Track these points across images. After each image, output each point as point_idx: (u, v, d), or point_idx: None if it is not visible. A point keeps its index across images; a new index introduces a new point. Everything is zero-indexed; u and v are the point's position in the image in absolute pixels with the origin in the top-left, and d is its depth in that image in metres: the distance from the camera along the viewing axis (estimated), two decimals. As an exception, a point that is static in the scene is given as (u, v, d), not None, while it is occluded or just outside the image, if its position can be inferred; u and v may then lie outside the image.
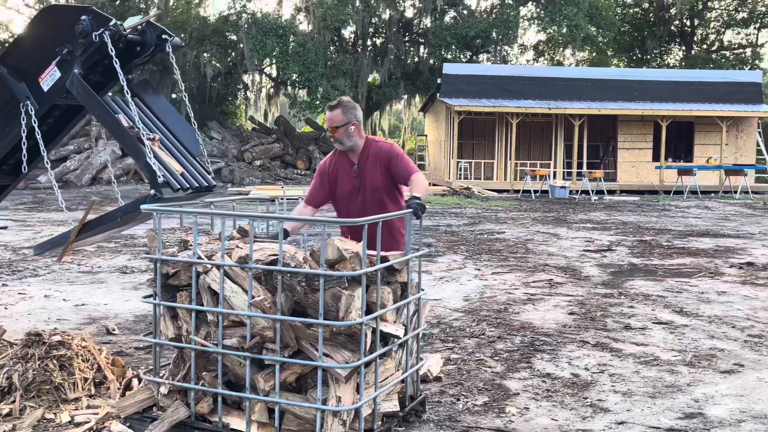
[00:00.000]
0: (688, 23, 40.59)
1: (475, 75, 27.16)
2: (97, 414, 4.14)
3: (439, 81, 27.71)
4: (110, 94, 5.74)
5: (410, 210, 4.14)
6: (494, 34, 33.08)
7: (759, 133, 27.83)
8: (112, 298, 7.58)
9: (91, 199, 8.92)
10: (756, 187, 25.58)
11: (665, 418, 4.34)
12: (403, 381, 4.10)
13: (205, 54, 32.46)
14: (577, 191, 23.40)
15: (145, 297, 4.09)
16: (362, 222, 3.63)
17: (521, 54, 39.65)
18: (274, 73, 36.05)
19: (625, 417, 4.36)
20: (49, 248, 5.54)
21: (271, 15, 32.91)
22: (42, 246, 5.60)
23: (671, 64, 40.78)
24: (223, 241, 3.76)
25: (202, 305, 3.77)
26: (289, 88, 34.23)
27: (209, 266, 3.75)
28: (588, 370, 5.26)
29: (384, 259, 3.80)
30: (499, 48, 34.69)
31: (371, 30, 35.13)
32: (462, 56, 34.30)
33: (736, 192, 23.64)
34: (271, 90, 37.35)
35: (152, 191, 4.82)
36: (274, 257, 3.65)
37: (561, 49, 38.66)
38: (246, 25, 31.72)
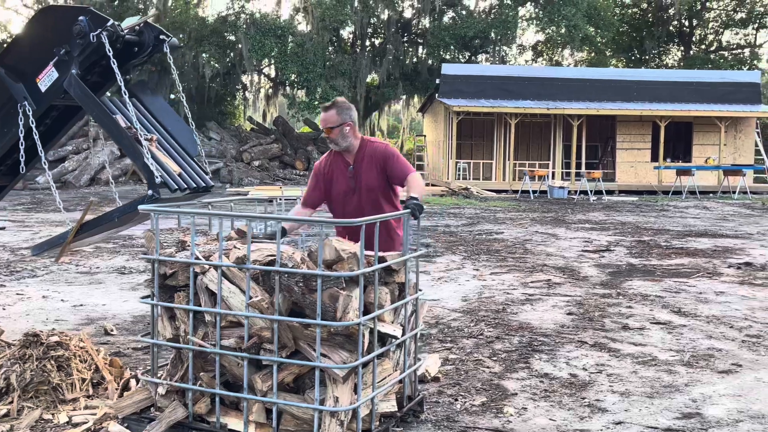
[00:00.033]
0: (686, 23, 40.61)
1: (474, 75, 27.17)
2: (94, 414, 4.14)
3: (437, 81, 27.72)
4: (108, 94, 5.74)
5: (408, 210, 4.14)
6: (493, 35, 33.08)
7: (757, 133, 27.84)
8: (110, 299, 7.57)
9: (89, 199, 8.91)
10: (754, 187, 25.60)
11: (663, 418, 4.34)
12: (400, 381, 4.10)
13: (203, 54, 32.46)
14: (575, 191, 23.40)
15: (143, 297, 4.09)
16: (360, 222, 3.63)
17: (520, 54, 39.72)
18: (273, 74, 36.05)
19: (623, 417, 4.36)
20: (47, 249, 5.55)
21: (269, 15, 32.91)
22: (40, 246, 5.60)
23: (670, 65, 40.80)
24: (221, 241, 3.76)
25: (200, 306, 3.77)
26: (287, 88, 34.21)
27: (207, 267, 3.75)
28: (586, 370, 5.26)
29: (382, 260, 3.80)
30: (497, 48, 34.71)
31: (370, 30, 35.13)
32: (460, 56, 34.29)
33: (734, 192, 23.65)
34: (270, 90, 37.34)
35: (150, 192, 4.82)
36: (272, 258, 3.65)
37: (559, 49, 38.67)
38: (244, 26, 31.71)
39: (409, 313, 4.13)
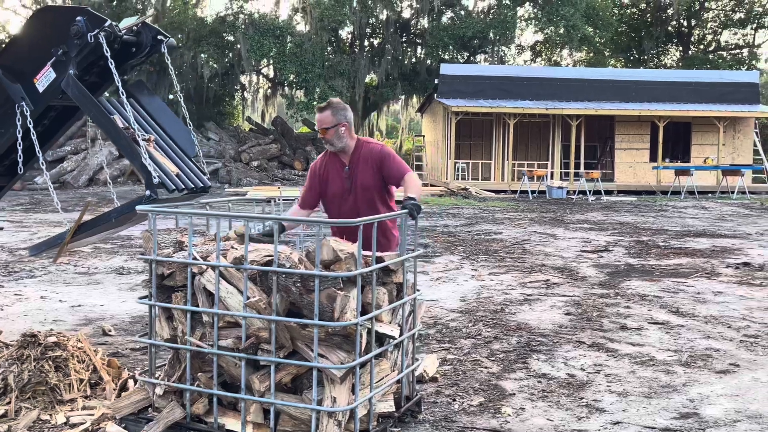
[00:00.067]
0: (685, 24, 40.64)
1: (473, 75, 27.18)
2: (92, 415, 4.14)
3: (436, 81, 27.72)
4: (107, 94, 5.74)
5: (406, 211, 4.14)
6: (491, 35, 33.08)
7: (756, 133, 27.86)
8: (109, 299, 7.57)
9: (87, 200, 8.90)
10: (753, 187, 25.62)
11: (661, 418, 4.34)
12: (398, 381, 4.10)
13: (202, 55, 32.45)
14: (574, 192, 23.41)
15: (141, 298, 4.09)
16: (358, 222, 3.63)
17: (518, 54, 39.72)
18: (272, 74, 36.05)
19: (621, 417, 4.36)
20: (45, 249, 5.55)
21: (268, 16, 32.91)
22: (37, 247, 5.60)
23: (668, 65, 40.82)
24: (218, 241, 3.76)
25: (198, 306, 3.77)
26: (286, 88, 34.21)
27: (204, 267, 3.75)
28: (584, 370, 5.26)
29: (379, 260, 3.80)
30: (496, 48, 34.71)
31: (368, 31, 35.14)
32: (459, 57, 34.30)
33: (733, 192, 23.67)
34: (269, 91, 37.35)
35: (147, 192, 4.82)
36: (270, 258, 3.65)
37: (558, 49, 38.69)
38: (243, 26, 31.71)
39: (407, 314, 4.13)
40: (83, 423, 4.06)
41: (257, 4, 65.33)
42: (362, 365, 3.67)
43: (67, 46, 5.01)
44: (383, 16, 34.36)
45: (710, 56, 39.88)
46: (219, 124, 33.60)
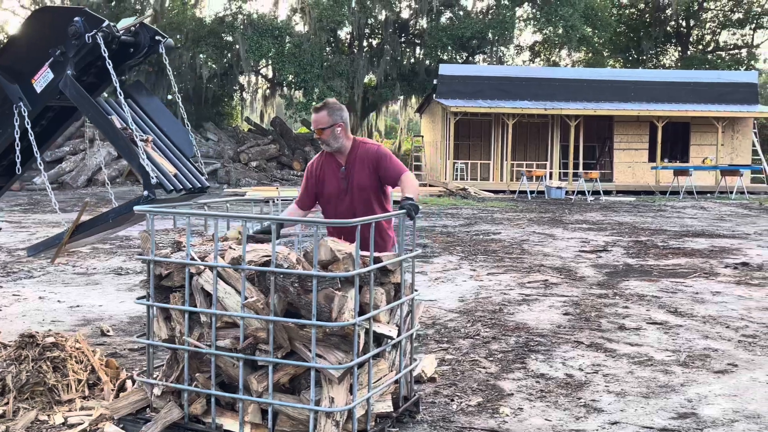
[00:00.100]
0: (683, 24, 40.65)
1: (471, 76, 27.19)
2: (90, 415, 4.14)
3: (435, 82, 27.73)
4: (105, 95, 5.74)
5: (404, 211, 4.14)
6: (490, 35, 33.09)
7: (755, 133, 27.88)
8: (107, 300, 7.57)
9: (84, 200, 8.90)
10: (752, 187, 25.63)
11: (658, 418, 4.35)
12: (396, 382, 4.10)
13: (201, 55, 32.43)
14: (573, 192, 23.42)
15: (139, 298, 4.09)
16: (356, 223, 3.63)
17: (517, 55, 39.75)
18: (270, 74, 36.04)
19: (619, 417, 4.36)
20: (43, 250, 5.55)
21: (267, 16, 32.91)
22: (35, 247, 5.60)
23: (667, 65, 40.83)
24: (216, 242, 3.76)
25: (196, 306, 3.77)
26: (285, 89, 34.22)
27: (202, 267, 3.75)
28: (582, 370, 5.26)
29: (377, 260, 3.80)
30: (495, 49, 34.70)
31: (367, 31, 35.14)
32: (458, 57, 34.32)
33: (732, 192, 23.68)
34: (267, 91, 37.34)
35: (145, 192, 4.82)
36: (267, 258, 3.65)
37: (557, 49, 38.71)
38: (242, 26, 31.71)
39: (404, 314, 4.13)
40: (81, 423, 4.06)
41: (256, 4, 65.37)
42: (360, 365, 3.67)
43: (65, 46, 5.01)
44: (382, 17, 34.36)
45: (709, 56, 39.90)
46: (218, 125, 33.59)
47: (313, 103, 30.50)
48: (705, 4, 39.79)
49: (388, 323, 3.97)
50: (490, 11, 34.68)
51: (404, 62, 34.79)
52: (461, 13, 34.33)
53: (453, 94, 26.31)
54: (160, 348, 4.13)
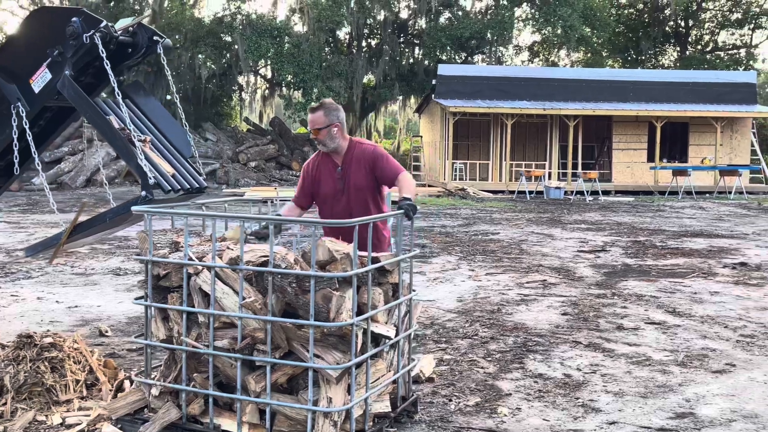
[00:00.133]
0: (682, 24, 40.67)
1: (470, 76, 27.19)
2: (88, 416, 4.14)
3: (434, 82, 27.73)
4: (103, 95, 5.73)
5: (401, 211, 4.14)
6: (489, 35, 33.11)
7: (753, 133, 27.91)
8: (105, 300, 7.57)
9: (82, 200, 8.90)
10: (750, 187, 25.65)
11: (656, 418, 4.35)
12: (394, 382, 4.10)
13: (199, 55, 32.43)
14: (572, 192, 23.44)
15: (137, 299, 4.09)
16: (354, 223, 3.63)
17: (516, 55, 39.75)
18: (269, 75, 36.03)
19: (617, 417, 4.36)
20: (41, 250, 5.54)
21: (265, 16, 32.90)
22: (33, 248, 5.59)
23: (666, 65, 40.85)
24: (214, 242, 3.76)
25: (194, 307, 3.77)
26: (284, 89, 34.22)
27: (200, 268, 3.75)
28: (580, 370, 5.27)
29: (375, 260, 3.80)
30: (493, 49, 34.72)
31: (366, 31, 35.14)
32: (457, 57, 34.33)
33: (730, 192, 23.69)
34: (266, 91, 37.33)
35: (143, 193, 4.81)
36: (265, 259, 3.65)
37: (556, 50, 38.72)
38: (241, 27, 31.70)
39: (402, 314, 4.13)
40: (79, 424, 4.06)
41: (255, 4, 65.50)
42: (358, 365, 3.67)
43: (63, 46, 5.01)
44: (381, 17, 34.37)
45: (708, 56, 39.93)
46: (217, 125, 33.58)
47: (312, 104, 30.56)
48: (704, 5, 39.82)
49: (386, 323, 3.97)
50: (489, 11, 34.70)
51: (403, 62, 34.80)
52: (460, 13, 34.34)
53: (452, 95, 26.32)
54: (158, 348, 4.13)
